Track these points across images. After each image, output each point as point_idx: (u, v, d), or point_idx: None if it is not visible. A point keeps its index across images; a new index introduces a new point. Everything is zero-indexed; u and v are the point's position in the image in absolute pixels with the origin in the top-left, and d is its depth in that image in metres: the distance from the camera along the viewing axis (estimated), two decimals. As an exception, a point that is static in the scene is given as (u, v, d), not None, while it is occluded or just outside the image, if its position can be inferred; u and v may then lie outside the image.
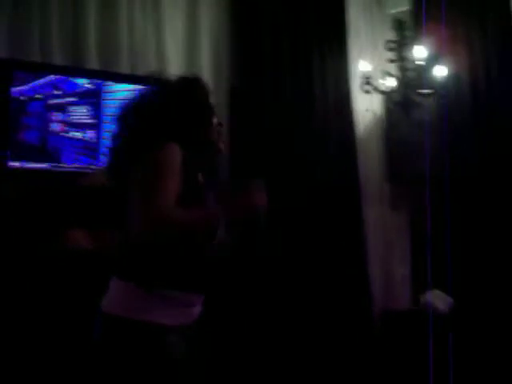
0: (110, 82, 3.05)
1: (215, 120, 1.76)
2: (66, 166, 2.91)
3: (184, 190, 1.50)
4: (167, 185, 1.46)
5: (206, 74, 3.49)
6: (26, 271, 2.56)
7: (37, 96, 2.83)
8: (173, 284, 1.52)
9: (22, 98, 2.79)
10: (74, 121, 2.95)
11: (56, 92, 2.90)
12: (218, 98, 3.50)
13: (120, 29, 3.31)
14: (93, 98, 3.01)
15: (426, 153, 3.44)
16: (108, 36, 3.26)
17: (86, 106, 2.99)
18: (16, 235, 2.54)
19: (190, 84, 1.74)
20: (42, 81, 2.85)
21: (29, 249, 2.53)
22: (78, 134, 2.95)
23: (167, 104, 1.66)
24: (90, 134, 2.97)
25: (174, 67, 3.38)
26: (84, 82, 2.98)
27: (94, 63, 3.18)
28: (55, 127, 2.90)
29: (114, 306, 1.50)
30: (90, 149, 2.98)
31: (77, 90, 2.97)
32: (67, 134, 2.93)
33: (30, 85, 2.82)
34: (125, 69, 3.27)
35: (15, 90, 2.77)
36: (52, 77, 2.89)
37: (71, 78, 2.92)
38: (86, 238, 2.59)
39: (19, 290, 2.53)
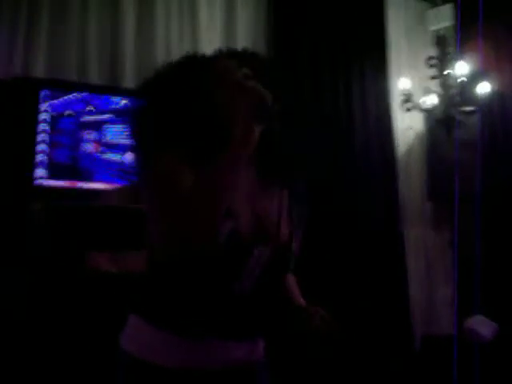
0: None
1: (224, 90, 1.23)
2: (97, 185, 2.86)
3: None
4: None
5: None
6: (49, 292, 2.55)
7: (67, 113, 2.83)
8: (193, 326, 1.27)
9: (51, 115, 2.79)
10: (110, 141, 2.90)
11: (88, 109, 2.89)
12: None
13: (157, 48, 3.33)
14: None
15: (463, 172, 3.33)
16: (145, 56, 3.29)
17: (125, 125, 2.91)
18: (41, 255, 2.54)
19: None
20: (72, 98, 2.86)
21: (53, 269, 2.52)
22: (115, 156, 2.90)
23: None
24: (127, 156, 2.86)
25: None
26: (120, 100, 2.95)
27: (130, 83, 3.20)
28: (88, 147, 2.88)
29: (130, 343, 1.32)
30: (126, 171, 2.88)
31: (112, 108, 2.94)
32: (102, 156, 2.90)
33: (60, 102, 2.82)
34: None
35: (44, 107, 2.78)
36: (82, 94, 2.89)
37: (104, 95, 2.92)
38: (108, 261, 2.55)
39: (40, 310, 2.52)
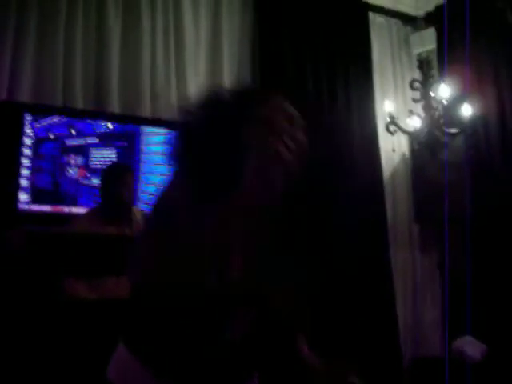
0: (142, 125, 3.03)
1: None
2: (82, 210, 2.82)
3: None
4: None
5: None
6: (26, 319, 2.49)
7: (51, 137, 2.82)
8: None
9: (34, 139, 2.78)
10: (95, 166, 2.88)
11: (72, 133, 2.88)
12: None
13: (142, 73, 3.34)
14: (123, 142, 2.98)
15: (450, 194, 3.35)
16: (130, 80, 3.30)
17: (113, 150, 2.93)
18: (18, 282, 2.49)
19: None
20: (56, 122, 2.85)
21: (30, 296, 2.48)
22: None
23: None
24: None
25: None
26: (105, 124, 2.95)
27: (115, 107, 3.21)
28: (73, 172, 2.86)
29: (117, 376, 1.26)
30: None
31: (97, 132, 2.93)
32: (87, 181, 2.88)
33: (44, 126, 2.81)
34: (147, 112, 3.30)
35: (27, 131, 2.77)
36: (67, 118, 2.88)
37: (88, 120, 2.91)
38: (87, 287, 2.50)
39: (17, 338, 2.47)
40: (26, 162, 2.73)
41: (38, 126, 2.80)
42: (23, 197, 2.70)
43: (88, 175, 2.89)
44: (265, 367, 1.36)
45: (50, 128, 2.81)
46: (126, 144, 3.01)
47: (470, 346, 3.56)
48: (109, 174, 2.69)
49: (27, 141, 2.75)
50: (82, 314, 2.39)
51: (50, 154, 2.80)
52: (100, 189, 2.70)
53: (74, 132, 2.87)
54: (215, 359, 1.22)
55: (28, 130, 2.76)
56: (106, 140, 2.96)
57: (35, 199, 2.74)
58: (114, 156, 2.95)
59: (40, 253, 2.52)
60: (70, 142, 2.86)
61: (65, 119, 2.87)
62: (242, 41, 3.78)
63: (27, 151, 2.74)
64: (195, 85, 3.51)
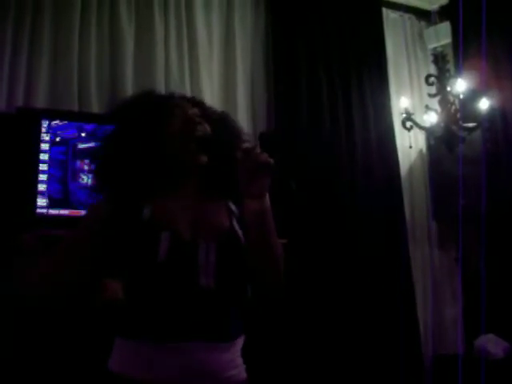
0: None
1: (176, 124, 1.46)
2: None
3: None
4: None
5: (242, 118, 3.50)
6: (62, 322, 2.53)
7: (67, 142, 2.81)
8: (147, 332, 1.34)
9: (50, 145, 2.78)
10: None
11: (89, 138, 2.86)
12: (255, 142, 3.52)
13: (156, 76, 3.35)
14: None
15: (467, 189, 3.31)
16: (144, 83, 3.29)
17: None
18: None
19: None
20: (71, 127, 2.85)
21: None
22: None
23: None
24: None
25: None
26: None
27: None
28: (88, 178, 2.82)
29: (112, 362, 1.41)
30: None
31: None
32: None
33: (59, 132, 2.81)
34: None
35: (43, 138, 2.77)
36: (83, 124, 2.88)
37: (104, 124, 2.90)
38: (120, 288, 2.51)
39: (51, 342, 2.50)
40: (43, 167, 2.75)
41: (55, 131, 2.81)
42: (41, 201, 2.72)
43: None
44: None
45: (66, 133, 2.82)
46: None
47: (493, 344, 3.52)
48: None
49: (44, 146, 2.76)
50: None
51: (66, 160, 2.81)
52: None
53: (90, 137, 2.87)
54: (195, 310, 1.35)
55: (45, 136, 2.77)
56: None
57: (53, 204, 2.75)
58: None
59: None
60: (87, 147, 2.86)
61: (81, 124, 2.87)
62: (254, 40, 3.77)
63: (44, 157, 2.76)
64: (209, 86, 3.52)
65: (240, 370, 1.42)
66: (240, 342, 1.45)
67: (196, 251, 1.38)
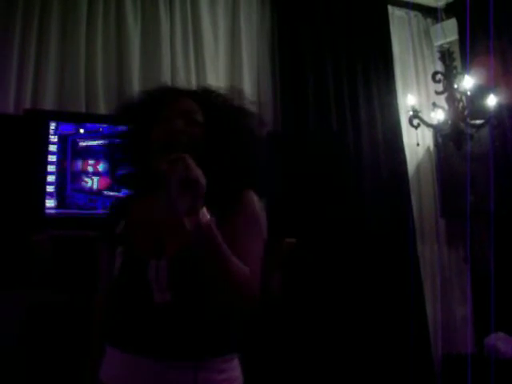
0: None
1: (159, 132, 1.40)
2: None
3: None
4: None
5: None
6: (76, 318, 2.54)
7: (75, 144, 2.81)
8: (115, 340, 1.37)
9: (58, 147, 2.78)
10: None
11: (96, 139, 2.86)
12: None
13: (163, 76, 3.34)
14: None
15: (475, 186, 3.29)
16: (151, 84, 3.28)
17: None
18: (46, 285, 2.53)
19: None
20: (79, 129, 2.85)
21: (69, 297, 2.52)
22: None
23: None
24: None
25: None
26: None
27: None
28: (95, 180, 2.82)
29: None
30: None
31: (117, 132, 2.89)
32: (110, 193, 2.81)
33: (67, 133, 2.81)
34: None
35: (51, 139, 2.78)
36: (89, 125, 2.88)
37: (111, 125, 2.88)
38: None
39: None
40: (51, 168, 2.75)
41: (63, 133, 2.81)
42: (50, 202, 2.73)
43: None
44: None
45: (74, 135, 2.83)
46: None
47: (503, 342, 3.50)
48: None
49: (52, 148, 2.77)
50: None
51: (73, 161, 2.81)
52: None
53: (98, 138, 2.86)
54: (151, 325, 1.31)
55: (53, 138, 2.78)
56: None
57: (61, 205, 2.75)
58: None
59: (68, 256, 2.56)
60: (95, 149, 2.86)
61: (89, 126, 2.87)
62: (260, 37, 3.77)
63: (52, 158, 2.76)
64: (215, 83, 3.47)
65: None
66: (216, 361, 1.34)
67: (145, 268, 1.33)
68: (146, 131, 1.41)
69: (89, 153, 2.82)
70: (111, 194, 2.80)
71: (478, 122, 3.68)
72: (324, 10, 3.87)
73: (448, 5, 4.29)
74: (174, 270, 1.32)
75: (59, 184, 2.75)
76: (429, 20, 4.46)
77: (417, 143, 3.87)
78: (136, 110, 1.48)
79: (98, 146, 2.83)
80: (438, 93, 3.82)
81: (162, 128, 1.38)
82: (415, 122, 3.75)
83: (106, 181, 2.81)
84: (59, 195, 2.75)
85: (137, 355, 1.30)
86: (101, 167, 2.82)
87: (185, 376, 1.28)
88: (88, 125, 2.86)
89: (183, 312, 1.31)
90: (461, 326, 4.05)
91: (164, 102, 1.44)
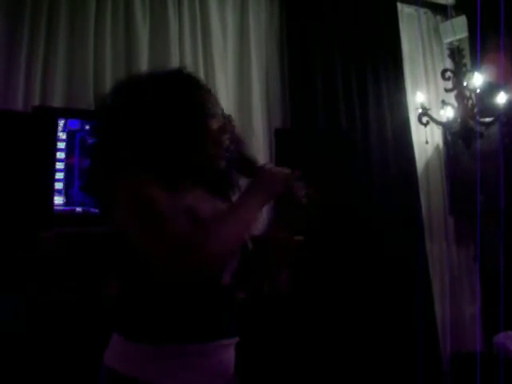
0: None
1: (214, 125, 1.37)
2: None
3: None
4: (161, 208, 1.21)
5: (257, 114, 3.49)
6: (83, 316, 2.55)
7: (83, 141, 2.79)
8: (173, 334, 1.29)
9: (66, 144, 2.78)
10: None
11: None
12: (270, 140, 3.52)
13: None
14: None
15: (485, 184, 3.27)
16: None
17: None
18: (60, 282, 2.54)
19: (164, 82, 1.35)
20: (87, 126, 2.82)
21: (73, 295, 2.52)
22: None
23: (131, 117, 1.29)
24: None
25: (225, 107, 3.38)
26: None
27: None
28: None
29: (114, 360, 1.33)
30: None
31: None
32: None
33: (75, 131, 2.81)
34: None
35: (60, 136, 2.77)
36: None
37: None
38: None
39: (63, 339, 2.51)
40: (60, 165, 2.76)
41: (71, 130, 2.81)
42: (58, 199, 2.74)
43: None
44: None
45: (82, 132, 2.83)
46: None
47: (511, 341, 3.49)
48: None
49: (61, 145, 2.78)
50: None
51: (82, 158, 2.81)
52: None
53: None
54: (217, 307, 1.33)
55: (61, 135, 2.78)
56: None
57: (69, 202, 2.76)
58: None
59: (78, 254, 2.56)
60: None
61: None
62: (269, 36, 3.77)
63: (61, 155, 2.77)
64: (224, 82, 3.51)
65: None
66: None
67: None
68: (201, 122, 1.35)
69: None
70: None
71: (488, 119, 3.66)
72: (332, 7, 3.86)
73: (458, 2, 4.26)
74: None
75: (67, 181, 2.75)
76: (438, 17, 4.43)
77: (426, 141, 3.85)
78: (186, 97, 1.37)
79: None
80: (447, 90, 3.80)
81: (216, 122, 1.38)
82: (424, 119, 3.73)
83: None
84: (67, 192, 2.75)
85: (201, 341, 1.29)
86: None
87: (231, 353, 1.37)
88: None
89: (236, 292, 1.40)
90: (469, 324, 4.04)
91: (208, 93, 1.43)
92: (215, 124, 1.36)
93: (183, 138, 1.30)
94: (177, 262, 1.16)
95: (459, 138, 3.76)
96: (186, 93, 1.35)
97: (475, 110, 3.66)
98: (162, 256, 1.17)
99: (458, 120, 3.71)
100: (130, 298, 1.34)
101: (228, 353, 1.36)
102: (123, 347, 1.32)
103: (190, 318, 1.29)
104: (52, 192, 2.72)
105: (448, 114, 3.78)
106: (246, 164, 1.40)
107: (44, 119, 2.79)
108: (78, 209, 2.77)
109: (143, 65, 3.30)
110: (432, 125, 3.83)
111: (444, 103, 3.81)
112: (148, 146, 1.28)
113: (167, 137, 1.29)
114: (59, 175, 2.74)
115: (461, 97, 3.72)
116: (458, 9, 4.25)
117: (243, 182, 1.43)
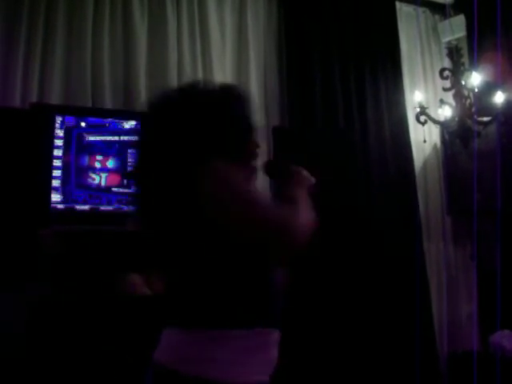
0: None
1: (254, 139, 1.51)
2: (108, 208, 2.80)
3: None
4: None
5: (255, 113, 3.48)
6: (84, 315, 2.54)
7: (81, 138, 2.81)
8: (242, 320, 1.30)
9: (64, 141, 2.78)
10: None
11: (102, 134, 2.85)
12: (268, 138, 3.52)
13: (169, 72, 3.35)
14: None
15: (483, 184, 3.27)
16: (157, 79, 3.31)
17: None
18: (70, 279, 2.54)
19: (230, 94, 1.48)
20: (85, 123, 2.84)
21: (84, 292, 2.52)
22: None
23: (204, 117, 1.38)
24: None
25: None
26: (135, 124, 2.86)
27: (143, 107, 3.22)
28: (103, 176, 2.81)
29: (168, 356, 1.31)
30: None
31: (127, 129, 2.86)
32: (118, 190, 2.81)
33: (73, 128, 2.81)
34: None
35: (57, 133, 2.77)
36: (95, 119, 2.87)
37: (117, 120, 2.89)
38: (143, 283, 2.54)
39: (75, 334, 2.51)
40: (57, 162, 2.75)
41: (69, 127, 2.81)
42: (55, 197, 2.73)
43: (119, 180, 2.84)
44: None
45: (80, 129, 2.83)
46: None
47: (508, 340, 3.49)
48: None
49: (58, 142, 2.77)
50: (141, 309, 2.42)
51: (80, 156, 2.82)
52: None
53: (104, 133, 2.86)
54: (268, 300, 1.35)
55: (59, 132, 2.78)
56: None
57: (67, 199, 2.76)
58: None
59: (83, 251, 2.56)
60: (101, 144, 2.86)
61: (95, 120, 2.87)
62: (267, 35, 3.77)
63: (58, 152, 2.77)
64: (222, 81, 3.50)
65: None
66: None
67: None
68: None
69: (97, 148, 2.82)
70: (121, 190, 2.81)
71: (486, 118, 3.66)
72: (331, 6, 3.87)
73: (456, 1, 4.26)
74: None
75: (64, 179, 2.75)
76: (437, 16, 4.44)
77: (424, 140, 3.85)
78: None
79: (106, 141, 2.84)
80: (445, 89, 3.80)
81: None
82: (422, 118, 3.73)
83: (115, 177, 2.82)
84: (64, 190, 2.75)
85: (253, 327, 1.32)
86: (110, 163, 2.82)
87: (277, 336, 1.39)
88: (94, 119, 2.86)
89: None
90: (466, 323, 4.04)
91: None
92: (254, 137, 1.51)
93: (237, 135, 1.43)
94: (279, 243, 1.23)
95: (457, 137, 3.76)
96: (243, 107, 1.50)
97: (473, 109, 3.66)
98: (264, 238, 1.24)
99: (456, 119, 3.71)
100: (191, 288, 1.33)
101: (276, 345, 1.39)
102: (186, 338, 1.30)
103: (256, 303, 1.33)
104: (49, 189, 2.72)
105: (446, 113, 3.78)
106: (281, 167, 1.57)
107: (41, 116, 2.79)
108: (76, 206, 2.77)
109: (141, 64, 3.31)
110: (430, 124, 3.82)
111: (442, 102, 3.81)
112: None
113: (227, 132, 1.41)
114: (56, 172, 2.74)
115: (459, 96, 3.72)
116: (457, 8, 4.26)
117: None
